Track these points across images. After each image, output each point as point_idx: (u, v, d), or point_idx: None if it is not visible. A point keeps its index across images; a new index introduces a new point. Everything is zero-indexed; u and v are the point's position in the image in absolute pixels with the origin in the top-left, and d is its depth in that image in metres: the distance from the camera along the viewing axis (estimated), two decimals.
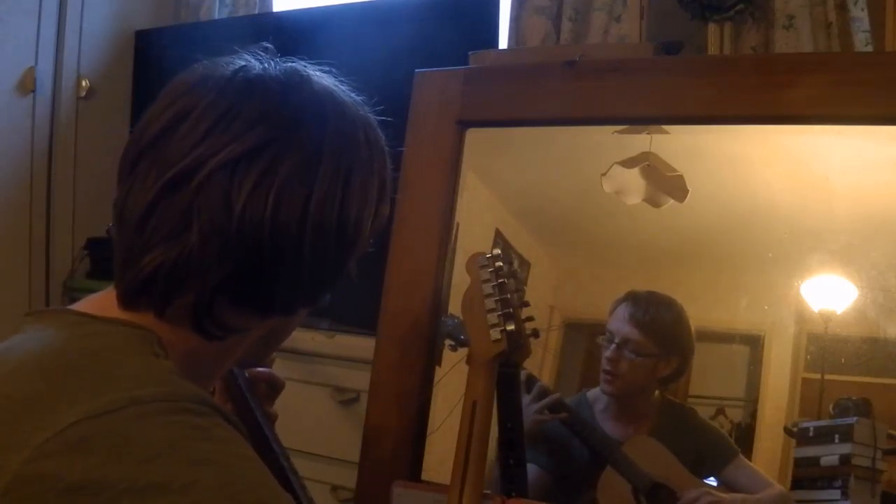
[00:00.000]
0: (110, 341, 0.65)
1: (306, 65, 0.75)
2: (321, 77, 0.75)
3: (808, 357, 1.16)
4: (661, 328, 1.23)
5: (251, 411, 0.94)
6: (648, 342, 1.22)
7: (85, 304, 0.71)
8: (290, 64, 0.74)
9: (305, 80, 0.73)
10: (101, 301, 0.71)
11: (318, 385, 1.77)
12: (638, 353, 1.22)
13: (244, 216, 0.65)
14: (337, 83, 0.75)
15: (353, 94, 0.76)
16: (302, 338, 1.74)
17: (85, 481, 0.54)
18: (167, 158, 0.67)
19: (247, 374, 0.97)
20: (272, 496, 0.60)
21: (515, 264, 1.13)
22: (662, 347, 1.23)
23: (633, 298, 1.24)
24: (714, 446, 1.19)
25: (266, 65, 0.73)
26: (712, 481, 1.17)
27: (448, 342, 1.30)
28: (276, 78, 0.72)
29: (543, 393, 1.24)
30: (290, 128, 0.69)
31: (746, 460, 1.16)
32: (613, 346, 1.23)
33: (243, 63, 0.72)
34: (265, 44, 0.75)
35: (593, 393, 1.26)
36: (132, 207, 0.68)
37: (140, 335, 0.66)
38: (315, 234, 0.68)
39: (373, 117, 0.77)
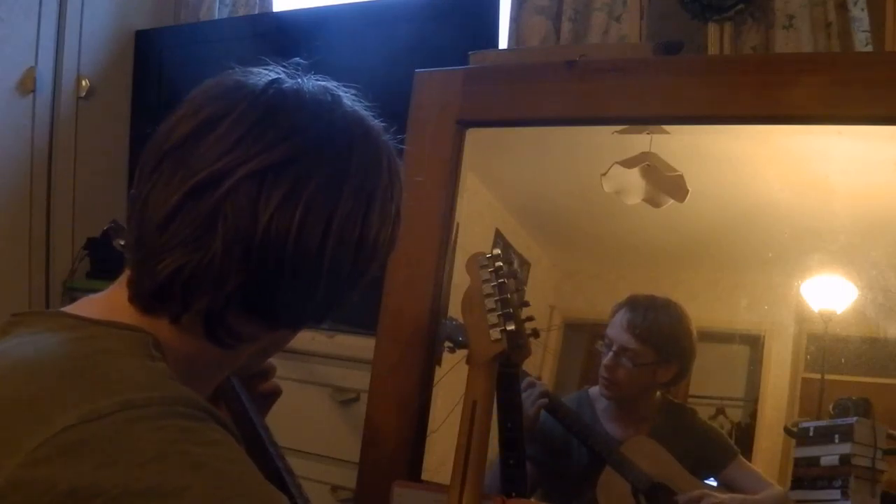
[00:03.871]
0: (105, 344, 0.64)
1: (338, 85, 0.76)
2: (351, 99, 0.76)
3: (808, 357, 1.16)
4: (660, 336, 1.23)
5: (246, 412, 0.94)
6: (646, 350, 1.22)
7: (80, 307, 0.71)
8: (322, 82, 0.74)
9: (336, 100, 0.74)
10: (97, 303, 0.71)
11: (317, 385, 1.77)
12: (635, 362, 1.22)
13: (270, 227, 0.66)
14: (364, 107, 0.76)
15: (377, 120, 0.77)
16: (302, 338, 1.72)
17: (77, 486, 0.53)
18: (195, 162, 0.67)
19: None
20: (264, 500, 0.59)
21: (515, 264, 1.13)
22: (661, 355, 1.22)
23: (631, 304, 1.24)
24: (714, 447, 1.19)
25: (299, 80, 0.73)
26: (712, 482, 1.17)
27: (447, 344, 1.30)
28: (308, 94, 0.72)
29: (531, 384, 1.24)
30: (319, 144, 0.70)
31: (746, 461, 1.16)
32: (611, 353, 1.23)
33: (276, 76, 0.73)
34: (298, 59, 0.76)
35: (595, 390, 1.26)
36: (154, 207, 0.68)
37: (136, 337, 0.66)
38: (334, 252, 0.69)
39: (393, 145, 0.78)
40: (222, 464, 0.58)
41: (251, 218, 0.66)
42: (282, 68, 0.74)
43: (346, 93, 0.76)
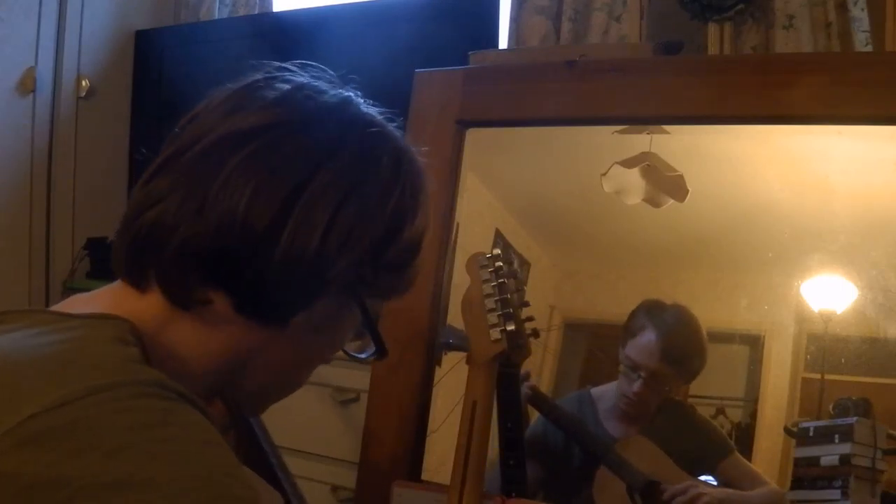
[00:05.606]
0: (78, 334, 0.63)
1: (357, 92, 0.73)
2: (374, 110, 0.73)
3: (808, 357, 1.16)
4: (691, 363, 1.22)
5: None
6: (677, 374, 1.23)
7: (66, 305, 0.70)
8: (341, 91, 0.72)
9: (350, 101, 0.71)
10: (82, 300, 0.70)
11: (318, 385, 1.77)
12: (666, 386, 1.23)
13: (220, 194, 0.64)
14: (394, 126, 0.73)
15: (413, 148, 0.74)
16: None
17: (41, 478, 0.52)
18: (183, 135, 0.68)
19: None
20: (234, 484, 0.57)
21: (515, 264, 1.13)
22: (686, 376, 1.23)
23: (659, 326, 1.23)
24: (710, 443, 1.19)
25: (317, 83, 0.72)
26: (710, 479, 1.17)
27: (443, 343, 1.31)
28: (316, 86, 0.71)
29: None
30: (300, 116, 0.68)
31: (742, 458, 1.16)
32: (640, 380, 1.21)
33: (293, 77, 0.72)
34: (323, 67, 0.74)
35: (598, 390, 1.26)
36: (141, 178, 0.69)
37: (110, 325, 0.64)
38: (295, 233, 0.65)
39: (421, 163, 0.73)
40: (191, 447, 0.56)
41: (210, 179, 0.65)
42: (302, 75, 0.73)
43: (376, 112, 0.73)
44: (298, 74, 0.72)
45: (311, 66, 0.74)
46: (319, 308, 0.69)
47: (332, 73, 0.74)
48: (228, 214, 0.64)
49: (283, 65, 0.73)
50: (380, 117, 0.73)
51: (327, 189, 0.66)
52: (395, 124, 0.74)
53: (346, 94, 0.72)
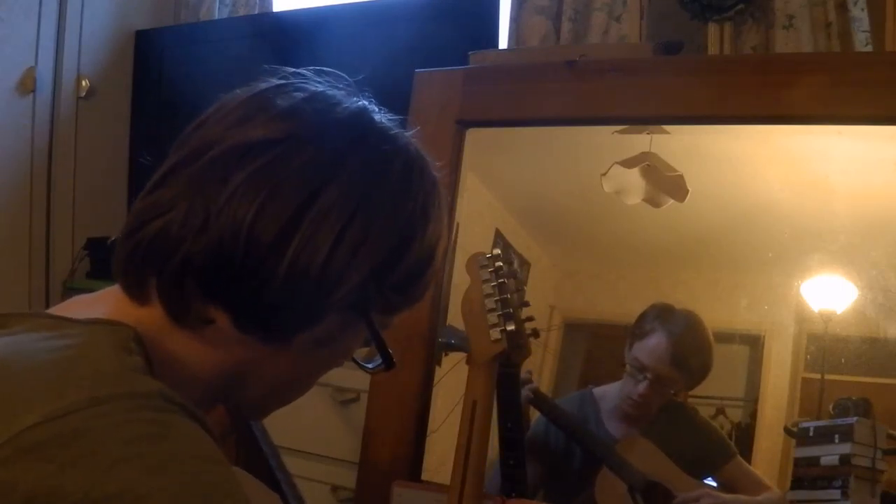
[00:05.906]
0: (80, 341, 0.61)
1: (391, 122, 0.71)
2: (389, 120, 0.71)
3: (808, 357, 1.16)
4: (700, 370, 1.23)
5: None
6: (684, 378, 1.23)
7: (66, 307, 0.70)
8: (356, 100, 0.71)
9: (363, 113, 0.69)
10: (84, 303, 0.70)
11: (318, 385, 1.77)
12: (672, 388, 1.23)
13: (226, 208, 0.63)
14: (409, 136, 0.72)
15: (428, 159, 0.72)
16: None
17: (38, 490, 0.51)
18: (191, 141, 0.67)
19: None
20: (231, 500, 0.56)
21: (515, 264, 1.13)
22: (693, 382, 1.23)
23: (669, 332, 1.23)
24: (712, 446, 1.19)
25: (331, 92, 0.70)
26: (711, 481, 1.17)
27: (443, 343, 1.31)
28: (329, 96, 0.69)
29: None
30: (314, 131, 0.66)
31: (744, 462, 1.16)
32: (647, 382, 1.21)
33: (306, 85, 0.70)
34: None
35: (600, 390, 1.26)
36: (147, 186, 0.67)
37: (112, 331, 0.63)
38: (301, 247, 0.63)
39: (434, 175, 0.71)
40: (188, 463, 0.55)
41: (216, 192, 0.63)
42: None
43: (398, 129, 0.71)
44: (312, 82, 0.70)
45: (326, 72, 0.72)
46: (323, 325, 0.68)
47: (348, 79, 0.72)
48: (234, 229, 0.63)
49: (298, 70, 0.71)
50: (394, 129, 0.71)
51: (335, 204, 0.64)
52: (409, 134, 0.72)
53: (360, 104, 0.70)
